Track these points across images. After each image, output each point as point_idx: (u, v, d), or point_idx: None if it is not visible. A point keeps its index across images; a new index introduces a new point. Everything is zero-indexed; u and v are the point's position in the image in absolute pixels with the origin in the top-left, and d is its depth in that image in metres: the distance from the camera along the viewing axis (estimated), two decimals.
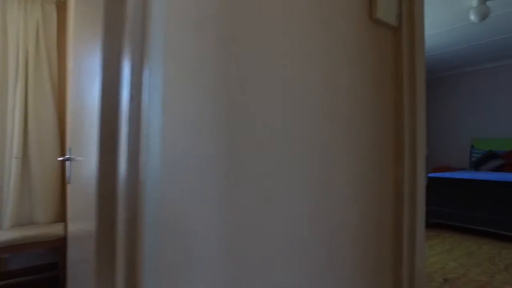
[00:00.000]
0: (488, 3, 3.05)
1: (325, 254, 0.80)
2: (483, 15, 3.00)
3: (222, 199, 0.64)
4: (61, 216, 2.36)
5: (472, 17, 3.05)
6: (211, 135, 0.63)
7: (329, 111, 0.82)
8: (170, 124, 0.59)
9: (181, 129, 0.60)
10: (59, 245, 2.07)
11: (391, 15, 0.95)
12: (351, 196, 0.87)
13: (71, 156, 1.27)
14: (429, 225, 4.16)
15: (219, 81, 0.64)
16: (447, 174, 4.06)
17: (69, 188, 1.67)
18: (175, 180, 0.59)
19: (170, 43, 0.59)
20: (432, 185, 3.96)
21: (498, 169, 4.65)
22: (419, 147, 1.00)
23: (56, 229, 2.10)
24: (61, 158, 1.40)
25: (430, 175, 4.16)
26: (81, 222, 0.96)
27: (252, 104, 0.69)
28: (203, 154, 0.62)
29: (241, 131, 0.67)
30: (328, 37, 0.82)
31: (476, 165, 4.84)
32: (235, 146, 0.66)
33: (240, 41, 0.67)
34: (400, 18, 0.99)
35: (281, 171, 0.72)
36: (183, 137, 0.60)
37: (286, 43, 0.74)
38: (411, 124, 1.00)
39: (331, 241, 0.82)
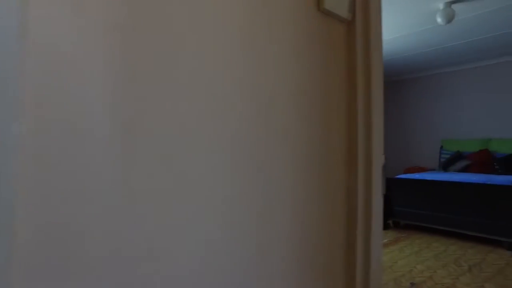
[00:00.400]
0: (453, 6, 3.07)
1: (263, 267, 0.70)
2: (449, 18, 3.02)
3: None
4: None
5: (439, 19, 3.07)
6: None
7: (260, 113, 0.72)
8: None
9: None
10: None
11: (342, 7, 0.87)
12: (293, 206, 0.78)
13: None
14: (401, 227, 4.17)
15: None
16: (416, 175, 4.09)
17: None
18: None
19: None
20: (401, 186, 3.97)
21: (465, 169, 4.75)
22: (375, 152, 0.92)
23: None
24: None
25: (399, 176, 4.17)
26: None
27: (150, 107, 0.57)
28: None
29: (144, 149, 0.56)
30: (265, 28, 0.72)
31: (445, 166, 4.92)
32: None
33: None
34: (354, 10, 0.91)
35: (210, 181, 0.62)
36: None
37: (203, 33, 0.64)
38: (365, 127, 0.91)
39: (269, 252, 0.72)
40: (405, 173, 5.69)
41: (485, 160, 4.65)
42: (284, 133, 0.75)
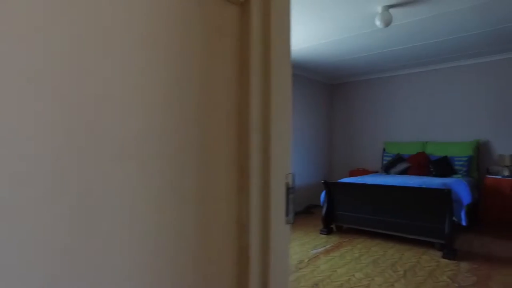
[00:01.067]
0: (391, 10, 3.08)
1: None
2: (387, 22, 3.01)
3: None
4: None
5: (377, 22, 3.05)
6: None
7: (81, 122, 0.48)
8: None
9: None
10: None
11: None
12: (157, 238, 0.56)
13: None
14: (344, 231, 4.15)
15: None
16: (357, 179, 4.09)
17: None
18: None
19: None
20: (343, 190, 3.95)
21: (404, 171, 4.89)
22: (274, 170, 0.73)
23: None
24: None
25: (341, 180, 4.16)
26: None
27: None
28: None
29: None
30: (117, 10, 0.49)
31: (387, 169, 5.04)
32: None
33: None
34: None
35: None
36: None
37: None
38: (263, 138, 0.72)
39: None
40: (350, 175, 5.76)
41: (422, 162, 4.82)
42: (136, 150, 0.52)
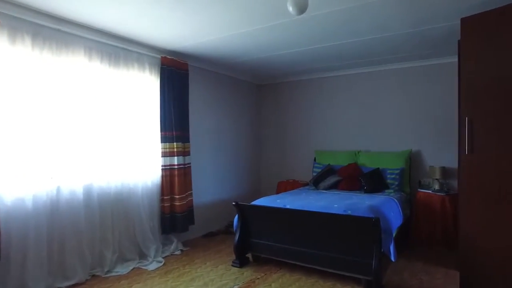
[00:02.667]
0: None
1: None
2: (301, 7, 2.34)
3: None
4: None
5: (290, 8, 2.37)
6: None
7: None
8: None
9: None
10: None
11: None
12: None
13: None
14: (261, 262, 3.45)
15: None
16: (277, 201, 3.39)
17: None
18: None
19: None
20: (257, 214, 3.26)
21: (335, 186, 4.35)
22: None
23: None
24: None
25: (255, 203, 3.46)
26: None
27: None
28: None
29: None
30: None
31: (316, 182, 4.46)
32: None
33: None
34: None
35: None
36: None
37: None
38: None
39: None
40: (278, 188, 5.13)
41: (353, 175, 4.32)
42: None
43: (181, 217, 3.83)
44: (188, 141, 4.10)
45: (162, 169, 3.77)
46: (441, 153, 4.24)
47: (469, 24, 2.62)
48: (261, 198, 3.66)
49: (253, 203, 3.47)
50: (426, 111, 4.35)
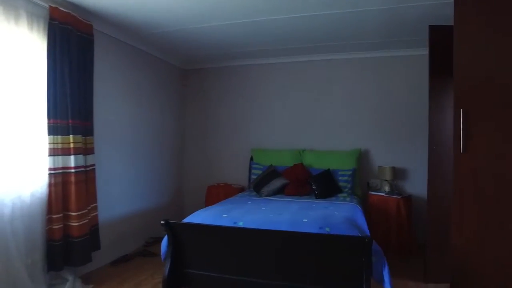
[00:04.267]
0: None
1: None
2: None
3: None
4: None
5: None
6: None
7: None
8: None
9: None
10: None
11: None
12: None
13: None
14: None
15: None
16: (223, 216, 2.52)
17: None
18: None
19: None
20: (194, 236, 2.35)
21: (281, 191, 3.70)
22: None
23: None
24: None
25: (187, 220, 2.54)
26: None
27: None
28: None
29: None
30: None
31: (257, 186, 3.73)
32: None
33: None
34: None
35: None
36: None
37: None
38: None
39: None
40: (209, 193, 4.24)
41: (301, 178, 3.72)
42: None
43: (80, 243, 2.65)
44: (92, 134, 2.92)
45: (50, 174, 2.53)
46: (391, 153, 3.97)
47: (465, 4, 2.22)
48: (199, 211, 2.75)
49: (189, 220, 2.55)
50: (375, 108, 4.04)
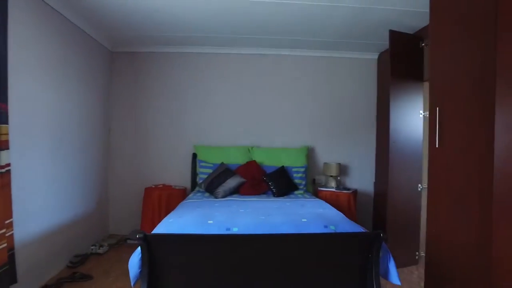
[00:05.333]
0: None
1: None
2: None
3: None
4: None
5: None
6: None
7: None
8: None
9: None
10: None
11: None
12: None
13: None
14: None
15: None
16: (209, 225, 2.13)
17: None
18: None
19: None
20: (183, 250, 1.92)
21: (237, 190, 3.42)
22: None
23: None
24: None
25: (158, 231, 2.08)
26: None
27: None
28: None
29: None
30: None
31: (211, 187, 3.36)
32: None
33: None
34: None
35: None
36: None
37: None
38: None
39: None
40: (147, 196, 3.63)
41: (257, 176, 3.53)
42: None
43: None
44: (6, 122, 2.11)
45: None
46: (334, 150, 4.13)
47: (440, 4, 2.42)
48: (169, 220, 2.27)
49: (163, 231, 2.07)
50: (321, 106, 4.14)
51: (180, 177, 3.96)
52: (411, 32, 3.27)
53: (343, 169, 4.07)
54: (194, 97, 4.03)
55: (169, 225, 2.13)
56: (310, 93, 4.12)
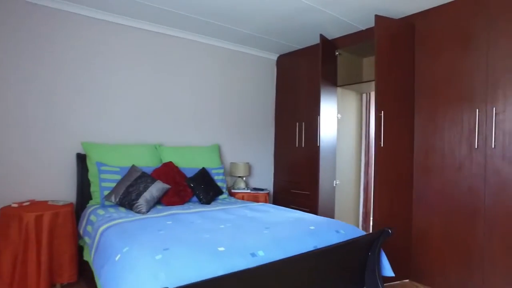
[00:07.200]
0: None
1: None
2: None
3: None
4: None
5: None
6: None
7: None
8: None
9: None
10: None
11: None
12: None
13: None
14: None
15: None
16: (198, 261, 1.52)
17: None
18: None
19: None
20: None
21: (162, 199, 2.70)
22: None
23: None
24: None
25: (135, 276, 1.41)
26: None
27: None
28: None
29: None
30: None
31: (126, 200, 2.50)
32: None
33: None
34: None
35: None
36: None
37: None
38: None
39: None
40: (2, 221, 2.30)
41: (179, 180, 2.91)
42: None
43: None
44: None
45: None
46: (240, 148, 3.95)
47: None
48: (147, 267, 1.53)
49: (177, 281, 1.38)
50: (228, 102, 3.86)
51: (57, 187, 2.74)
52: (329, 39, 3.55)
53: (250, 170, 3.97)
54: (81, 77, 2.88)
55: (169, 269, 1.41)
56: (217, 86, 3.78)
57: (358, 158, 3.90)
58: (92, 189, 2.73)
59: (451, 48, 2.63)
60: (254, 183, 4.05)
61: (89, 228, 2.36)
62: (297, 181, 3.87)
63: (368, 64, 3.82)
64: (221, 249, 1.56)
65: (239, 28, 3.33)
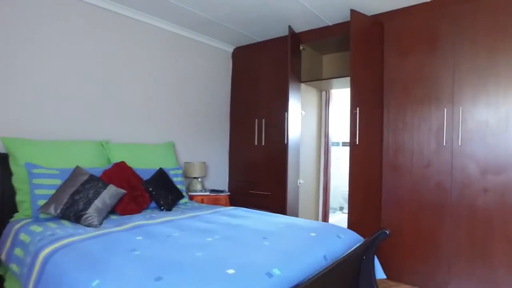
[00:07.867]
0: None
1: None
2: None
3: None
4: None
5: None
6: None
7: None
8: None
9: None
10: None
11: None
12: None
13: None
14: None
15: None
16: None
17: None
18: None
19: None
20: None
21: (118, 205, 2.20)
22: None
23: None
24: None
25: None
26: None
27: None
28: None
29: None
30: None
31: (71, 211, 1.97)
32: None
33: None
34: None
35: None
36: None
37: None
38: None
39: None
40: None
41: (134, 184, 2.45)
42: None
43: None
44: None
45: None
46: (193, 147, 3.57)
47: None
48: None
49: None
50: (181, 94, 3.44)
51: None
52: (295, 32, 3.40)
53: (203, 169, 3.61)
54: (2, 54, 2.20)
55: None
56: (170, 78, 3.34)
57: (318, 157, 3.85)
58: (18, 198, 2.10)
59: (419, 48, 2.70)
60: (209, 184, 3.71)
61: (18, 251, 1.78)
62: (255, 181, 3.66)
63: (328, 62, 3.80)
64: (231, 271, 1.25)
65: (200, 12, 2.97)
